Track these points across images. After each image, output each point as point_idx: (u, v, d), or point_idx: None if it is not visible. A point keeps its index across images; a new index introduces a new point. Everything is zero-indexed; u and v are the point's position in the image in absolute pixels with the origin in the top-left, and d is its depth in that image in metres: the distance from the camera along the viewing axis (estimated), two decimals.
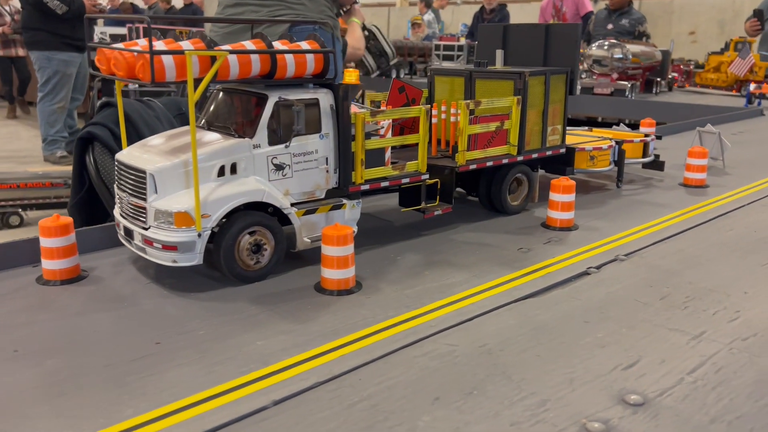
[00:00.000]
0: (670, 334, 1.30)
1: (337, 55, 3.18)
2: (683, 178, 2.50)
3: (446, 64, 6.24)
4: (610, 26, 8.64)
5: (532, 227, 1.96)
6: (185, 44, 1.41)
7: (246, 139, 1.50)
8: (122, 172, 1.53)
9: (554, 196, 1.93)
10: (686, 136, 3.33)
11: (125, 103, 2.92)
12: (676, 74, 7.09)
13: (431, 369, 1.16)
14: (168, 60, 1.36)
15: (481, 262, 1.67)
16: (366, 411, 1.03)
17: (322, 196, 1.64)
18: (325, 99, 1.59)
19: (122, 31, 9.27)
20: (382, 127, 1.72)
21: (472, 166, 1.91)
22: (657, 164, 2.61)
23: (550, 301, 1.45)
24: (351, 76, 1.41)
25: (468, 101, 1.85)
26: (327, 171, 1.62)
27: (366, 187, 1.68)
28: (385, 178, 1.72)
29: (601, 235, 1.89)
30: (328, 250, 1.45)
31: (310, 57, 1.55)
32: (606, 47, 5.44)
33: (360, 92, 1.61)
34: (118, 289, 1.50)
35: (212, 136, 1.54)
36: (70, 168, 2.61)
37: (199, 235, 1.42)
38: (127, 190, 1.51)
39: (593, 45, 5.54)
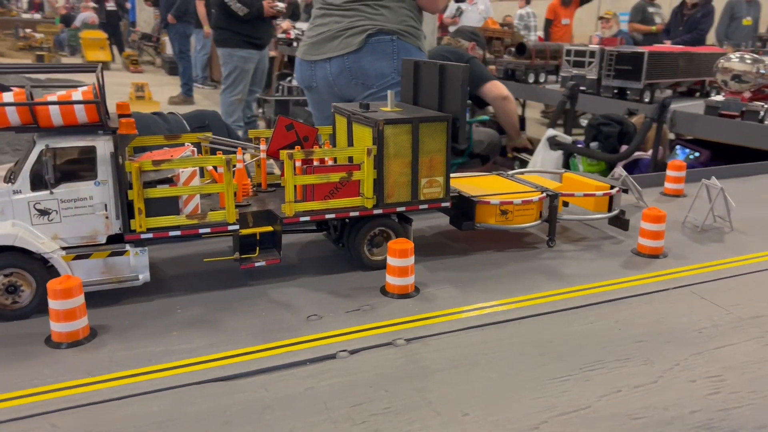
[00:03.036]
0: None
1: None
2: (636, 244, 2.10)
3: (575, 71, 5.76)
4: None
5: (369, 289, 1.79)
6: None
7: (9, 184, 1.57)
8: None
9: (390, 260, 1.75)
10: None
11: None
12: None
13: None
14: None
15: (244, 328, 1.57)
16: None
17: (104, 242, 1.66)
18: (105, 146, 1.60)
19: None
20: (174, 176, 1.69)
21: (304, 218, 1.80)
22: (621, 222, 2.23)
23: (228, 390, 1.33)
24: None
25: (291, 151, 1.75)
26: (107, 217, 1.64)
27: (149, 235, 1.66)
28: (176, 228, 1.68)
29: (431, 308, 1.68)
30: (52, 304, 1.47)
31: (78, 107, 1.57)
32: (749, 61, 4.65)
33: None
34: None
35: None
36: None
37: None
38: None
39: (733, 57, 4.77)
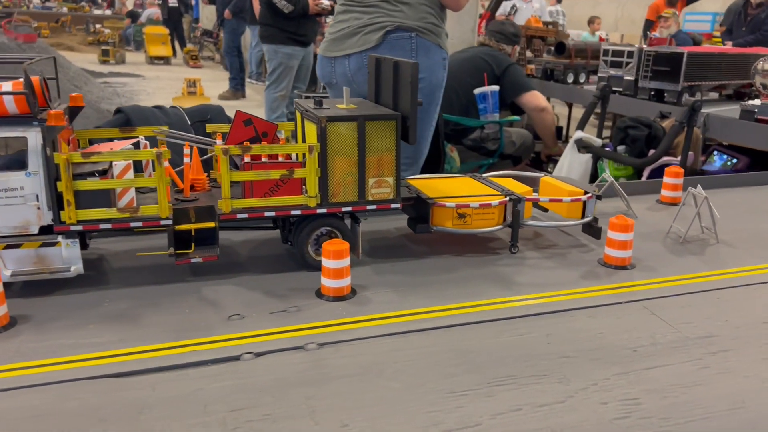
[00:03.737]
0: None
1: (437, 66, 3.08)
2: (603, 255, 1.99)
3: (613, 72, 5.56)
4: None
5: (305, 291, 1.75)
6: None
7: None
8: None
9: (325, 262, 1.70)
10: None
11: (134, 109, 3.19)
12: None
13: None
14: None
15: (161, 325, 1.55)
16: None
17: (36, 232, 1.67)
18: (36, 137, 1.61)
19: None
20: (106, 169, 1.68)
21: (242, 215, 1.77)
22: (592, 230, 2.11)
23: (116, 387, 1.31)
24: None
25: (227, 146, 1.72)
26: (38, 208, 1.65)
27: (78, 227, 1.66)
28: (107, 221, 1.68)
29: (360, 312, 1.63)
30: None
31: (8, 98, 1.58)
32: None
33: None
34: None
35: None
36: None
37: None
38: None
39: None
